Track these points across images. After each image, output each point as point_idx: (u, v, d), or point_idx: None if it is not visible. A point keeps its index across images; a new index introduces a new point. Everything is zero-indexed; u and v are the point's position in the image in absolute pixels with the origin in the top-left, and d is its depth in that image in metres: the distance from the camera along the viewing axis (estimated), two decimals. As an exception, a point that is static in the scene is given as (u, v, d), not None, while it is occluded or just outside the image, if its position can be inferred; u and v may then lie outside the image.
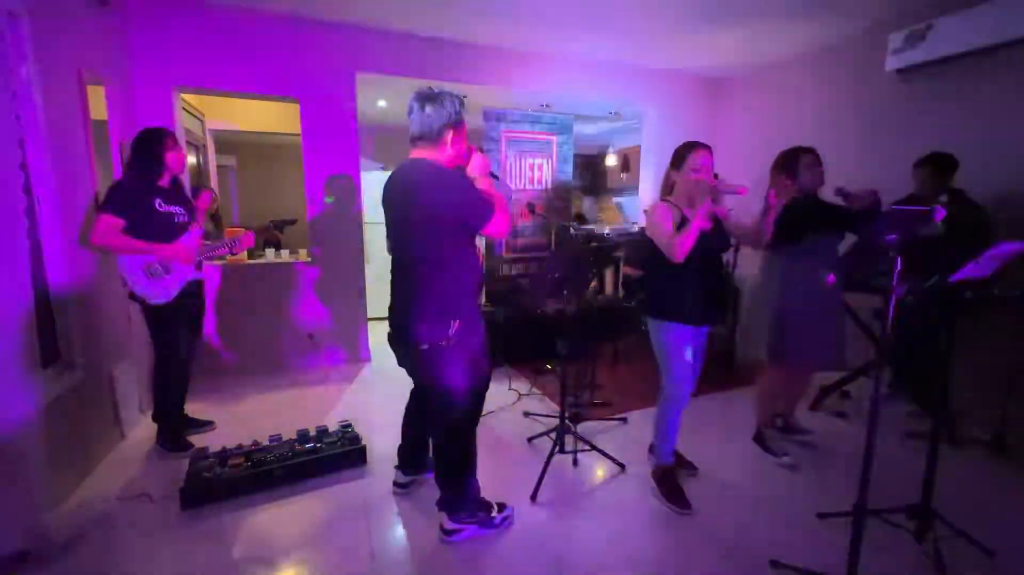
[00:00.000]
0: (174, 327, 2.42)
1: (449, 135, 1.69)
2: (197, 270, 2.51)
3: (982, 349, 2.75)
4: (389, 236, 1.78)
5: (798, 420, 2.66)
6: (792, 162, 2.30)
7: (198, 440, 2.54)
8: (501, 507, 1.95)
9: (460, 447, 1.85)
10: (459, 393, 1.75)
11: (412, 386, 2.09)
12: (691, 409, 2.27)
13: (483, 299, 4.12)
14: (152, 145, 2.33)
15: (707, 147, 2.00)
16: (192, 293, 2.50)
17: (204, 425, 2.75)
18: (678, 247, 1.89)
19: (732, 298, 3.83)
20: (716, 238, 2.04)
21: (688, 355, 2.08)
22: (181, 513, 2.01)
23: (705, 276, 2.02)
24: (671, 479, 2.18)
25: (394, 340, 1.82)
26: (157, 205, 2.33)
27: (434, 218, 1.62)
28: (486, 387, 1.90)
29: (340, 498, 2.15)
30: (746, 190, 1.85)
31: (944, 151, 2.71)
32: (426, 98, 1.68)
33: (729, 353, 3.69)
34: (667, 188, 2.11)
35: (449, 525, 1.86)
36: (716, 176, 2.00)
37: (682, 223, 1.96)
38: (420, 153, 1.71)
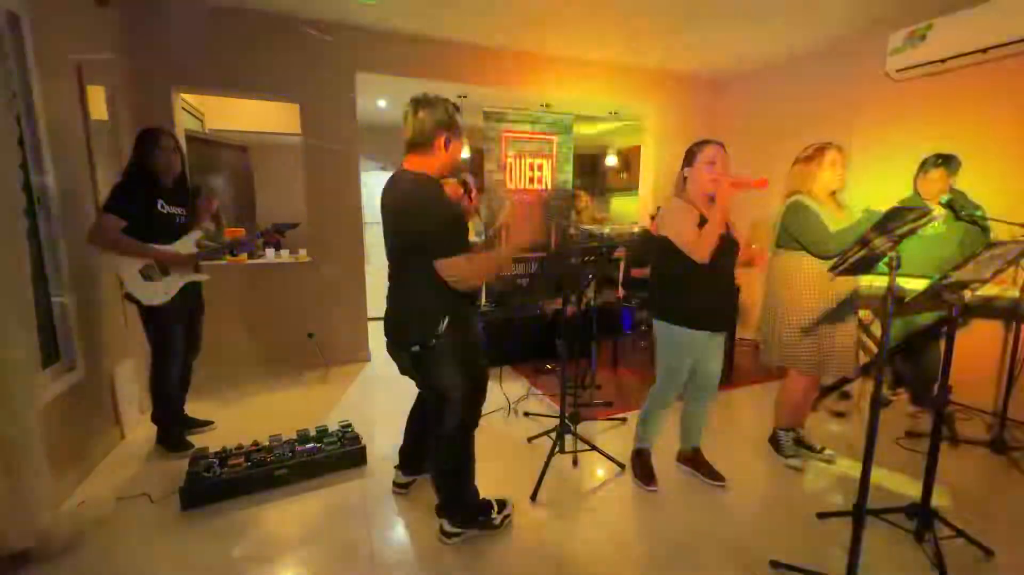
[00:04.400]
0: (171, 328, 2.41)
1: (442, 139, 1.69)
2: (195, 271, 2.51)
3: (982, 349, 2.75)
4: (384, 239, 1.78)
5: (808, 433, 2.55)
6: (817, 156, 2.16)
7: (198, 440, 2.54)
8: (501, 505, 1.95)
9: (456, 451, 1.83)
10: (454, 395, 1.74)
11: (417, 389, 2.09)
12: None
13: (483, 300, 4.13)
14: (150, 145, 2.32)
15: (720, 143, 1.99)
16: (191, 294, 2.49)
17: (204, 425, 2.75)
18: (703, 246, 1.88)
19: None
20: (727, 241, 2.00)
21: (687, 361, 2.08)
22: (181, 513, 2.01)
23: (720, 281, 2.01)
24: (643, 460, 2.29)
25: (390, 347, 1.82)
26: (160, 206, 2.33)
27: (412, 235, 1.62)
28: (483, 390, 1.88)
29: (340, 498, 2.15)
30: (766, 183, 1.82)
31: (944, 151, 2.71)
32: (419, 103, 1.69)
33: (728, 354, 3.69)
34: (680, 187, 2.08)
35: (449, 528, 1.86)
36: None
37: (700, 222, 1.94)
38: (412, 159, 1.71)
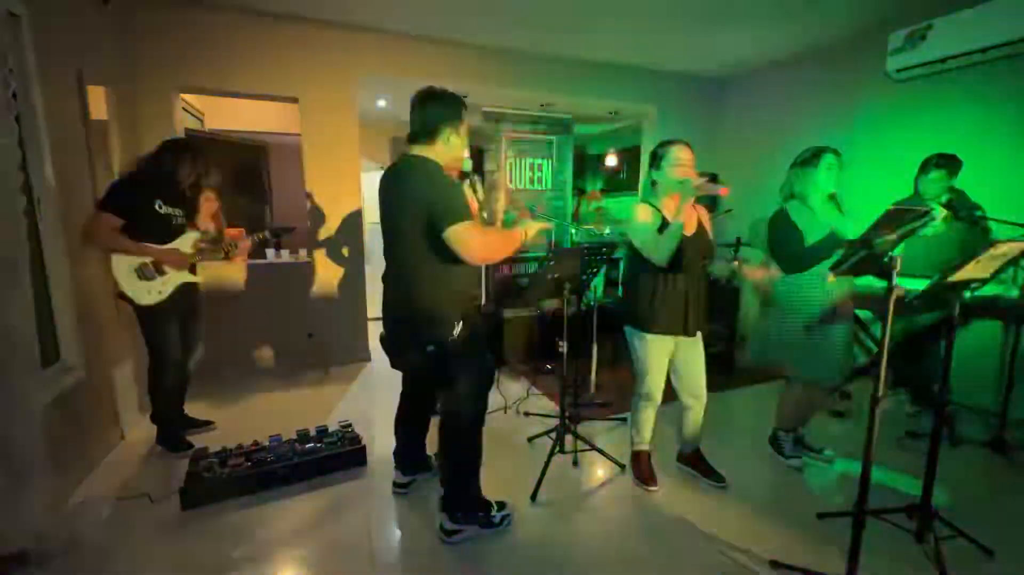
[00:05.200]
0: (166, 328, 2.40)
1: (447, 133, 1.68)
2: (191, 272, 2.50)
3: (982, 349, 2.75)
4: (384, 236, 1.77)
5: (809, 434, 2.55)
6: (813, 160, 2.14)
7: (198, 440, 2.54)
8: (501, 506, 1.96)
9: (467, 446, 1.86)
10: (467, 391, 1.77)
11: (402, 388, 2.12)
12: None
13: (483, 298, 4.13)
14: (177, 159, 2.37)
15: (684, 143, 1.98)
16: (186, 295, 2.47)
17: (204, 425, 2.75)
18: (662, 249, 1.88)
19: (733, 297, 3.83)
20: (699, 244, 2.01)
21: (659, 364, 2.09)
22: (181, 513, 2.01)
23: (680, 284, 2.00)
24: (641, 461, 2.29)
25: (392, 342, 1.83)
26: (157, 206, 2.33)
27: (417, 212, 1.60)
28: (491, 385, 1.90)
29: (340, 498, 2.15)
30: (726, 191, 1.84)
31: (945, 151, 2.71)
32: (427, 95, 1.69)
33: (729, 355, 3.69)
34: (648, 190, 2.10)
35: (449, 525, 1.86)
36: (702, 175, 1.97)
37: (664, 225, 1.94)
38: (414, 149, 1.71)
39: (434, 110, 1.67)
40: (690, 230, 1.99)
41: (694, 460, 2.33)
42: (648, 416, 2.24)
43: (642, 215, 1.99)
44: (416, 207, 1.59)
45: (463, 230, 1.55)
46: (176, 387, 2.55)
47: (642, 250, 1.97)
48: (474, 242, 1.56)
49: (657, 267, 1.94)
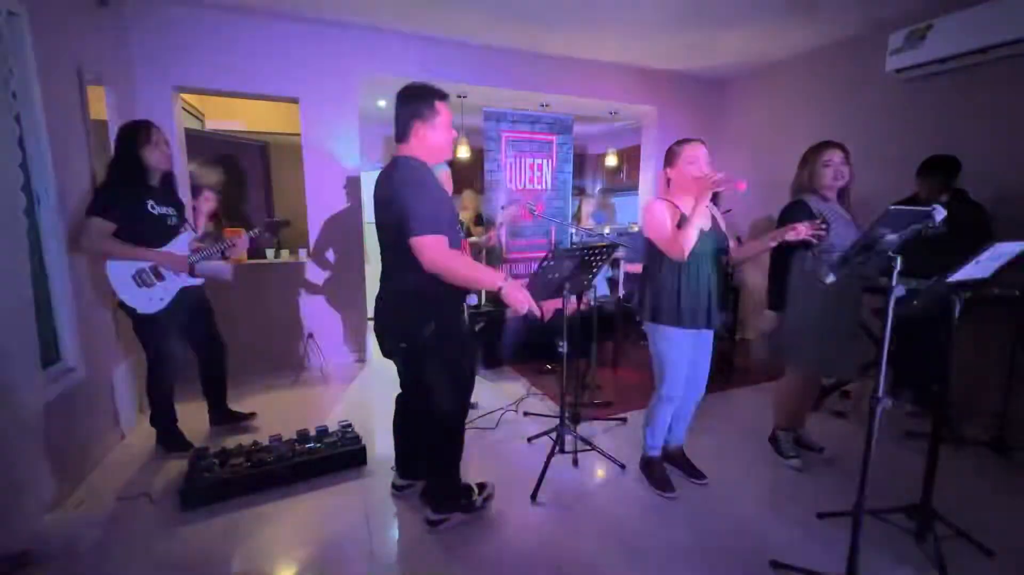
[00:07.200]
0: (166, 337, 2.34)
1: (417, 128, 1.70)
2: (191, 275, 2.41)
3: (982, 349, 2.75)
4: (377, 234, 1.81)
5: (808, 433, 2.55)
6: (812, 157, 2.18)
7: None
8: (481, 488, 1.99)
9: (448, 441, 1.88)
10: (440, 391, 1.78)
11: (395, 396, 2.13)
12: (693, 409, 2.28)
13: (483, 298, 4.13)
14: (132, 142, 2.20)
15: (700, 141, 2.01)
16: (190, 299, 2.40)
17: (246, 418, 2.83)
18: (680, 244, 1.89)
19: (732, 297, 3.83)
20: (715, 238, 2.02)
21: (683, 361, 2.08)
22: (181, 513, 2.01)
23: (703, 278, 2.01)
24: (657, 467, 2.25)
25: (379, 338, 1.88)
26: (150, 207, 2.24)
27: (393, 213, 1.61)
28: (469, 386, 1.93)
29: (340, 498, 2.15)
30: (744, 185, 1.85)
31: (945, 152, 2.71)
32: (399, 96, 1.72)
33: (729, 353, 3.69)
34: (663, 188, 2.12)
35: (433, 516, 1.90)
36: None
37: (681, 221, 1.95)
38: (399, 150, 1.75)
39: (403, 110, 1.71)
40: (707, 224, 2.00)
41: (679, 458, 2.33)
42: (668, 418, 2.21)
43: (660, 211, 2.01)
44: (392, 209, 1.61)
45: (431, 244, 1.56)
46: (173, 391, 2.51)
47: (660, 245, 1.99)
48: (438, 256, 1.57)
49: (677, 262, 1.95)
